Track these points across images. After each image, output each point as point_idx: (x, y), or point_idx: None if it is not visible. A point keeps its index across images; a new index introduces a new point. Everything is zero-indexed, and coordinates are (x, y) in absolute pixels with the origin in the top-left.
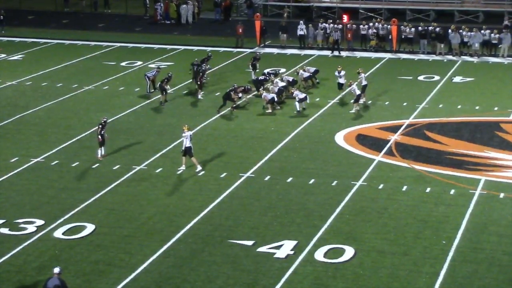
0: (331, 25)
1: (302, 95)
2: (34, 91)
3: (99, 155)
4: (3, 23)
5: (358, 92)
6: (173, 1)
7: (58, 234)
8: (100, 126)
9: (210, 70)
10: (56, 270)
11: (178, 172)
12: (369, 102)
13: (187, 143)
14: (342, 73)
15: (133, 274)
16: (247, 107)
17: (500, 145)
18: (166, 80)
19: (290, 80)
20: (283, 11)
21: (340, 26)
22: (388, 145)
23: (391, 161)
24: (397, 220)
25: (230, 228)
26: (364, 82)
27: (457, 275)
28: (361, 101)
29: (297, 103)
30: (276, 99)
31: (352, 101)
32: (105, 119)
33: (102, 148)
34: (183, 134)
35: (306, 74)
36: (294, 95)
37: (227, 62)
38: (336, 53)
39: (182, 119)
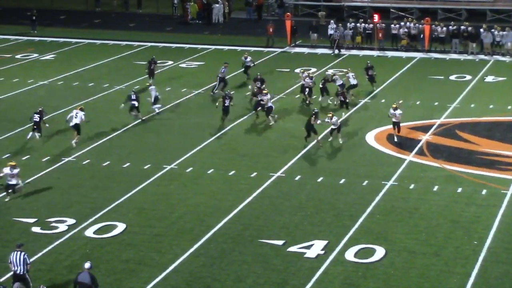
0: (351, 24)
1: (270, 104)
2: (66, 90)
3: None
4: (35, 23)
5: (354, 81)
6: (195, 1)
7: (89, 233)
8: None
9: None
10: (87, 265)
11: (73, 142)
12: (400, 101)
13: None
14: (398, 111)
15: (164, 273)
16: (276, 107)
17: None
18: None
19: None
20: (319, 14)
21: (371, 25)
22: (419, 145)
23: (422, 161)
24: (428, 220)
25: (260, 227)
26: (353, 82)
27: (488, 276)
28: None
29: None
30: (273, 107)
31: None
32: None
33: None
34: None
35: (339, 82)
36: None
37: (258, 62)
38: (336, 51)
39: (212, 118)
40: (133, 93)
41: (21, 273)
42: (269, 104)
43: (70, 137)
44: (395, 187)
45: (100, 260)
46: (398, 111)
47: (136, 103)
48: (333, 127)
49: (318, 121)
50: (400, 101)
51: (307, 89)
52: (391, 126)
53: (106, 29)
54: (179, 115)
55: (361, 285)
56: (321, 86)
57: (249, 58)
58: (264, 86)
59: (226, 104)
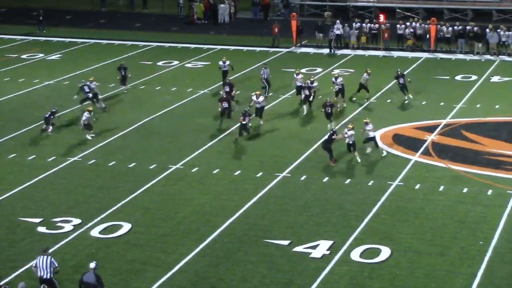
0: (367, 24)
1: (261, 105)
2: (72, 90)
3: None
4: (43, 23)
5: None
6: (201, 1)
7: (94, 233)
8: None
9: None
10: (92, 265)
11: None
12: (406, 102)
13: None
14: (351, 132)
15: (169, 273)
16: (281, 108)
17: None
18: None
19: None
20: (325, 14)
21: (377, 25)
22: (424, 145)
23: (428, 161)
24: (433, 220)
25: (266, 227)
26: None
27: (494, 276)
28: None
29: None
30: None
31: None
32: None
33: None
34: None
35: (338, 86)
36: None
37: (263, 62)
38: (332, 51)
39: (217, 118)
40: (86, 86)
41: (48, 278)
42: (262, 104)
43: (75, 137)
44: (400, 187)
45: (106, 260)
46: (351, 132)
47: (90, 95)
48: (348, 141)
49: (336, 137)
50: (351, 125)
51: (306, 91)
52: (396, 126)
53: (112, 29)
54: (185, 115)
55: (367, 285)
56: (304, 94)
57: (227, 63)
58: (234, 91)
59: (244, 122)
